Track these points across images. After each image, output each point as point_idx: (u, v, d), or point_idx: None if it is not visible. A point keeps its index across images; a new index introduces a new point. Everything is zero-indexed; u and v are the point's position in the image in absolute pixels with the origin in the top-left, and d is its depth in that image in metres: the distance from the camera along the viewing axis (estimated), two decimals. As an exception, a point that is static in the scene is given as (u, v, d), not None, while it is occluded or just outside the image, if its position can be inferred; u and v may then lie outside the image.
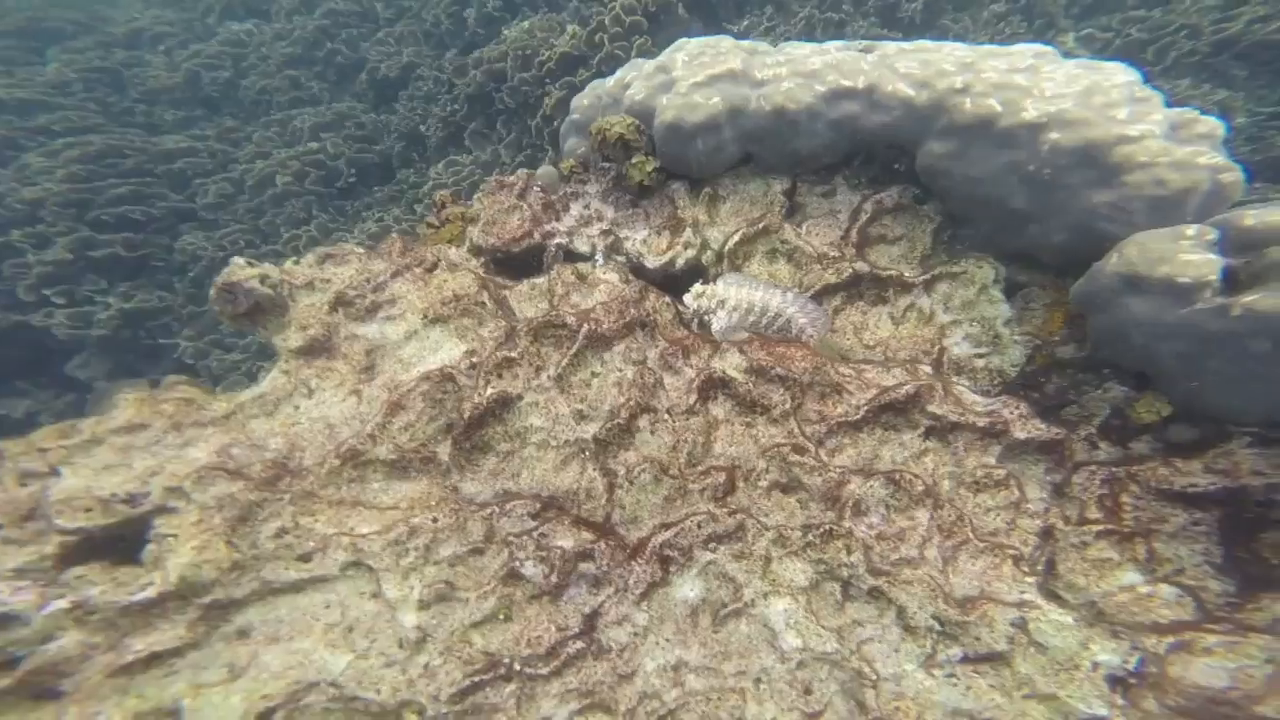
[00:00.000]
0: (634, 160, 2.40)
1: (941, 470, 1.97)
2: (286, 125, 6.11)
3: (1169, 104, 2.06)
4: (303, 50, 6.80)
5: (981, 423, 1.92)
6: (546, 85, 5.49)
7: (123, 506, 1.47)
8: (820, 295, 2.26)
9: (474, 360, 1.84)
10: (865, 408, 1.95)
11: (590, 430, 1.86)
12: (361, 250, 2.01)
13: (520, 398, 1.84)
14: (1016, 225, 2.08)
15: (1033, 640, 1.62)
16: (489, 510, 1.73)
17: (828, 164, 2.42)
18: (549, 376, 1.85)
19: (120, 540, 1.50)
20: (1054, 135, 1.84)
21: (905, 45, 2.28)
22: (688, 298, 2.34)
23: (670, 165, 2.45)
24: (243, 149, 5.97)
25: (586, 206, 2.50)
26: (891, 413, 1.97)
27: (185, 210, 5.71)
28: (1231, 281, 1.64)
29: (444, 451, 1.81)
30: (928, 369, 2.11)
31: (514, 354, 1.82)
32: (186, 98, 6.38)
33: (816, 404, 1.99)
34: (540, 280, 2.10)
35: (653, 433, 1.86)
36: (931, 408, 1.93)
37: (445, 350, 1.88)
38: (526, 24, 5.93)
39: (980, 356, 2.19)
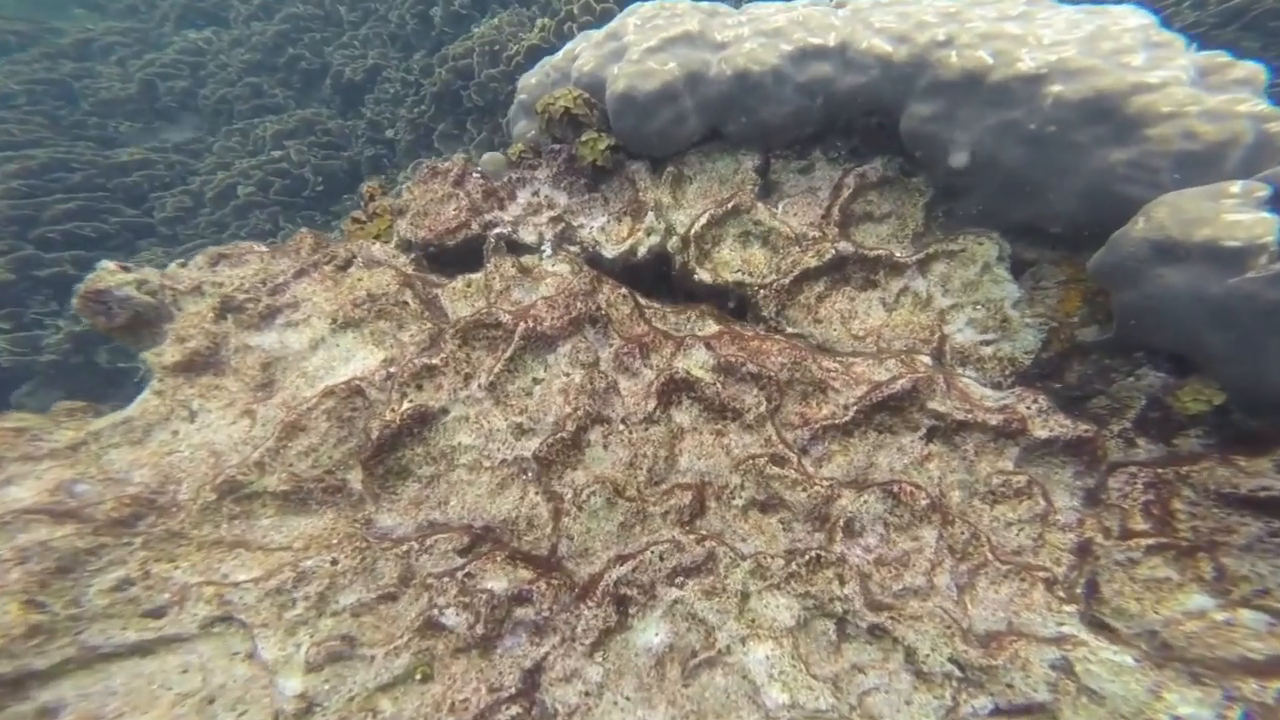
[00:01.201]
0: (584, 138, 2.15)
1: (949, 478, 1.70)
2: (249, 134, 5.89)
3: (1195, 47, 1.82)
4: (263, 56, 6.61)
5: (994, 420, 1.65)
6: (515, 81, 5.27)
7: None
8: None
9: (391, 370, 1.58)
10: (855, 408, 1.68)
11: (531, 446, 1.59)
12: (264, 249, 1.75)
13: (445, 411, 1.58)
14: (1019, 194, 1.82)
15: (1083, 686, 1.33)
16: (407, 547, 1.46)
17: (804, 136, 2.17)
18: (480, 385, 1.59)
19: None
20: (1056, 88, 1.58)
21: (883, -5, 2.04)
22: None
23: (628, 143, 2.20)
24: (203, 160, 5.75)
25: (535, 193, 2.25)
26: (886, 412, 1.70)
27: (142, 225, 5.48)
28: (1289, 241, 1.38)
29: (355, 479, 1.54)
30: (927, 360, 1.84)
31: (437, 361, 1.56)
32: (142, 108, 6.17)
33: (798, 405, 1.72)
34: (476, 275, 1.84)
35: (605, 447, 1.60)
36: (933, 404, 1.67)
37: (359, 360, 1.62)
38: (495, 20, 5.74)
39: (987, 343, 1.93)
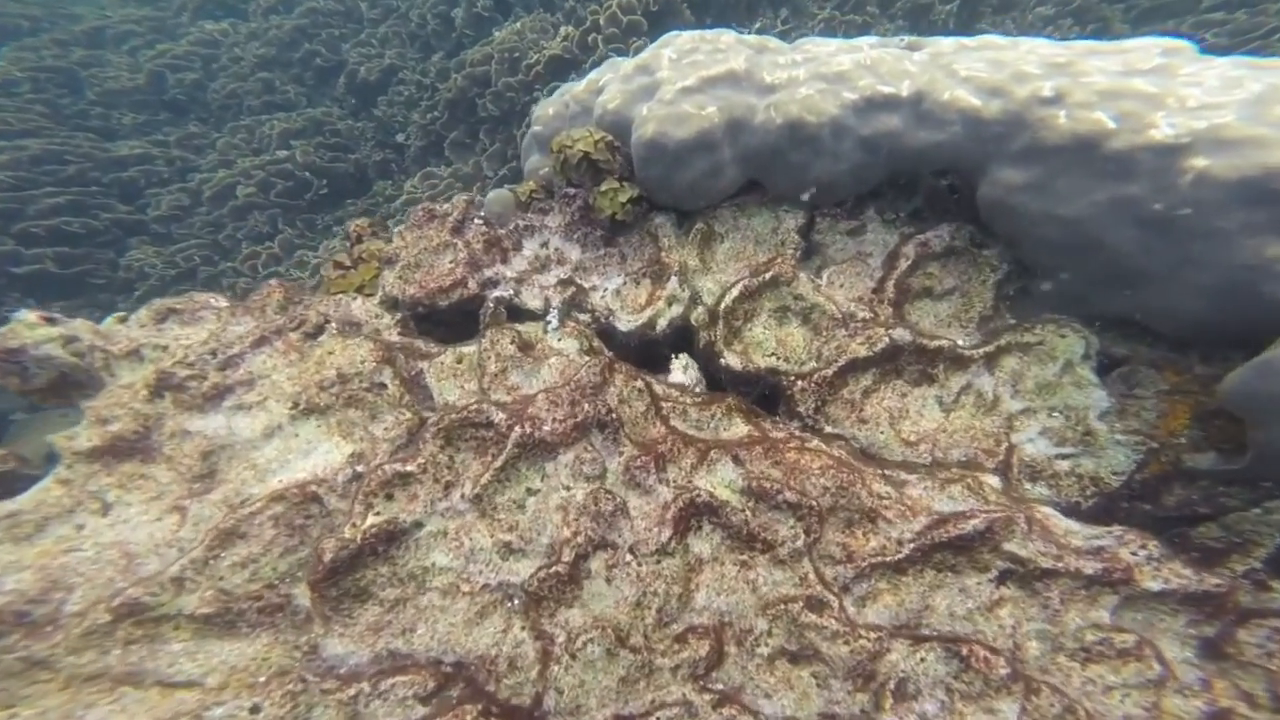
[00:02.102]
0: (604, 188, 1.90)
1: (1026, 628, 1.42)
2: (255, 131, 5.73)
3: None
4: (278, 51, 6.46)
5: (1089, 569, 1.37)
6: (535, 91, 5.07)
7: None
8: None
9: (359, 469, 1.34)
10: (912, 544, 1.41)
11: (520, 570, 1.34)
12: (223, 304, 1.52)
13: (419, 525, 1.33)
14: (1122, 282, 1.55)
15: None
16: (355, 690, 1.21)
17: (856, 194, 1.92)
18: (464, 496, 1.34)
19: None
20: (1200, 161, 1.31)
21: (966, 40, 1.78)
22: (673, 372, 1.84)
23: (654, 194, 1.96)
24: (205, 156, 5.59)
25: (544, 244, 2.01)
26: (950, 550, 1.43)
27: (134, 223, 5.32)
28: None
29: (302, 593, 1.29)
30: (994, 481, 1.57)
31: (413, 467, 1.31)
32: (149, 100, 6.04)
33: (841, 534, 1.46)
34: (470, 349, 1.60)
35: (609, 581, 1.34)
36: (1010, 546, 1.39)
37: (320, 453, 1.38)
38: (517, 24, 5.55)
39: (1065, 458, 1.65)
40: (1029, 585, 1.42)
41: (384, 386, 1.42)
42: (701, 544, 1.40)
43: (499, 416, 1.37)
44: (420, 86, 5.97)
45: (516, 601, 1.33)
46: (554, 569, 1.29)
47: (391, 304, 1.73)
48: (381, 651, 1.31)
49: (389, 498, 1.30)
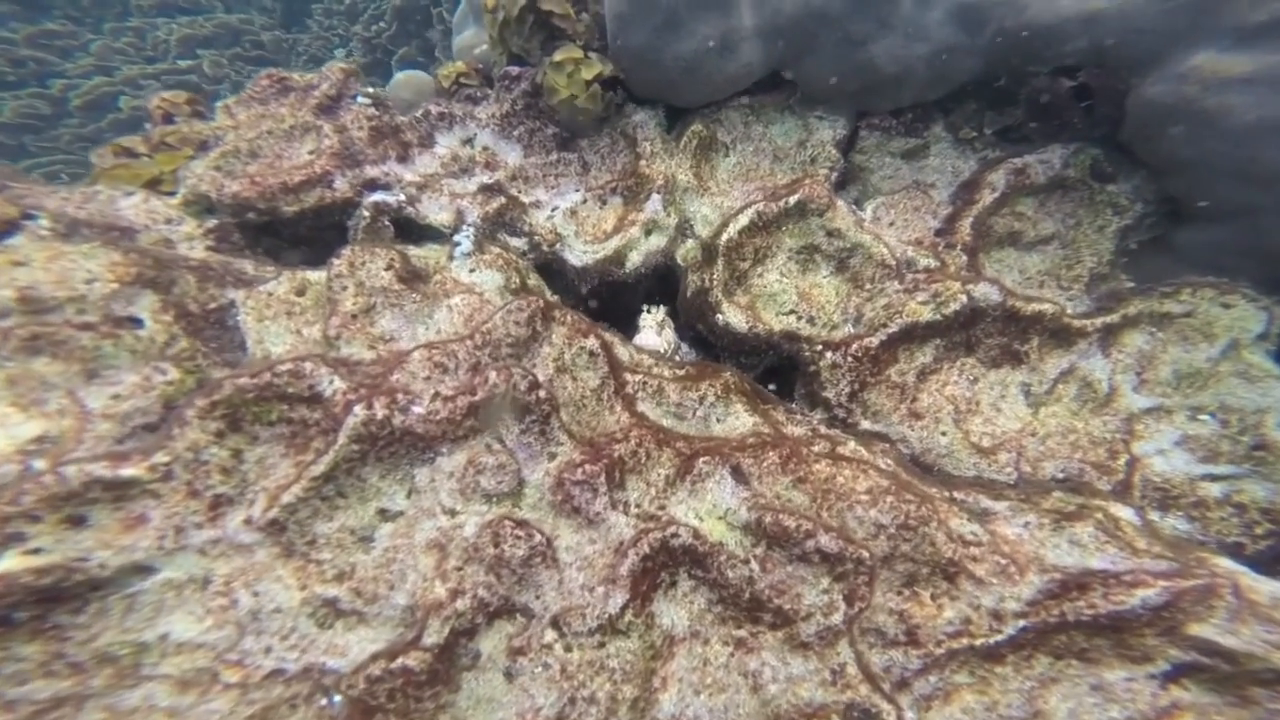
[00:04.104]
0: (558, 57, 1.32)
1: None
2: (146, 36, 4.89)
3: None
4: (192, -57, 5.57)
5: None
6: None
7: None
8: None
9: (40, 472, 0.76)
10: (1020, 621, 0.91)
11: (352, 650, 0.79)
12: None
13: (145, 572, 0.77)
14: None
15: None
16: None
17: (926, 97, 1.39)
18: (251, 521, 0.78)
19: None
20: None
21: None
22: (643, 331, 1.29)
23: (632, 75, 1.40)
24: (74, 60, 4.73)
25: (468, 141, 1.43)
26: (1085, 629, 0.93)
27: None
28: None
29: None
30: (1127, 514, 1.08)
31: (141, 470, 0.74)
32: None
33: (898, 597, 0.95)
34: (317, 275, 1.02)
35: (510, 676, 0.80)
36: (1203, 629, 0.90)
37: None
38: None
39: (1217, 479, 1.18)
40: (1222, 688, 0.93)
41: (136, 323, 0.84)
42: (675, 612, 0.87)
43: (334, 385, 0.81)
44: (367, -6, 5.20)
45: (336, 705, 0.78)
46: (408, 657, 0.75)
47: (203, 207, 1.13)
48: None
49: (74, 524, 0.73)
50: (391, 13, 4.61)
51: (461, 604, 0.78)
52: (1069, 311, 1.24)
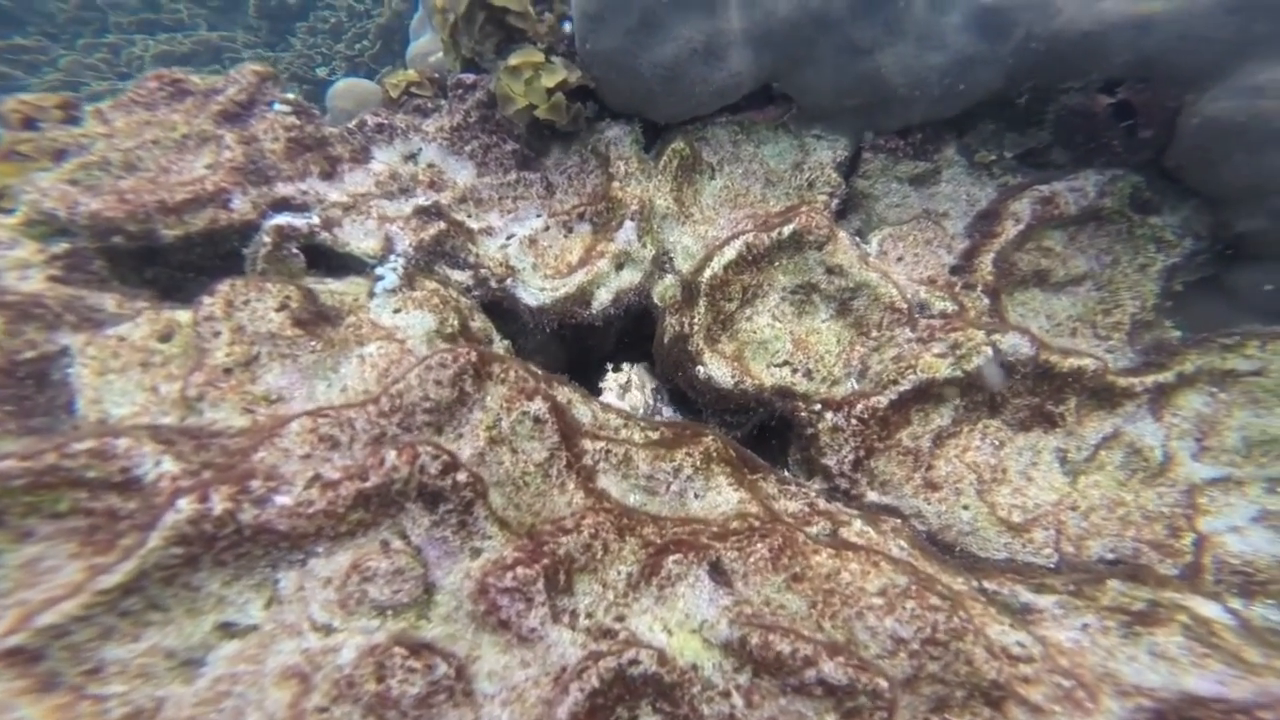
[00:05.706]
0: (513, 60, 1.17)
1: None
2: (120, 52, 4.79)
3: None
4: (176, -41, 5.54)
5: None
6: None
7: None
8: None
9: None
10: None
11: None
12: None
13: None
14: None
15: None
16: None
17: (939, 115, 1.24)
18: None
19: None
20: None
21: None
22: (605, 395, 1.10)
23: (605, 85, 1.25)
24: (41, 75, 4.60)
25: (411, 157, 1.27)
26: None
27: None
28: None
29: None
30: (1215, 612, 0.88)
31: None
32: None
33: (923, 740, 0.75)
34: (185, 315, 0.84)
35: None
36: None
37: None
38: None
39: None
40: None
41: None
42: (630, 775, 0.66)
43: (162, 468, 0.62)
44: (351, 13, 5.15)
45: None
46: None
47: (52, 228, 0.95)
48: None
49: None
50: (376, 31, 4.54)
51: (330, 780, 0.58)
52: (1112, 368, 1.07)
